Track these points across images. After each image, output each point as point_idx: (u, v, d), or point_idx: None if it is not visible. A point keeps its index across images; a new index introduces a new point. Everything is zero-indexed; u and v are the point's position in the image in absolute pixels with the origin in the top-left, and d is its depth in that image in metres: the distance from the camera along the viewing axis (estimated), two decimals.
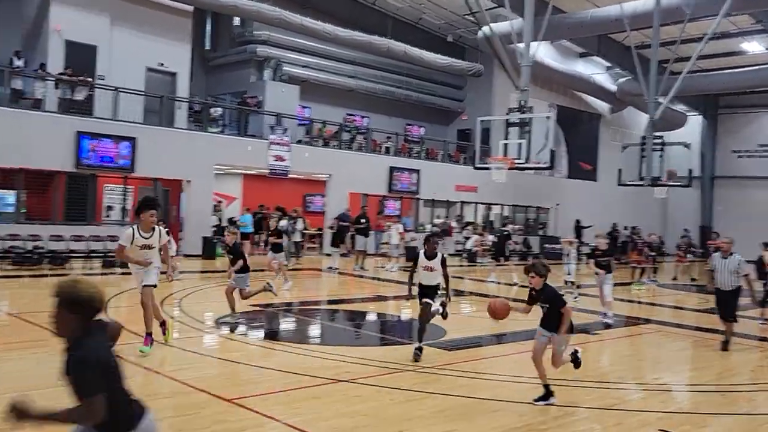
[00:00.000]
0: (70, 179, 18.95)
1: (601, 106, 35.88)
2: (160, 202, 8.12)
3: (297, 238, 20.49)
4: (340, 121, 27.74)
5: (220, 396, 6.02)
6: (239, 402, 5.88)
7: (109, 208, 20.18)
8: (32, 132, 17.67)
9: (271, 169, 22.88)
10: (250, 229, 21.96)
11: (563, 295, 14.24)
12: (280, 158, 22.87)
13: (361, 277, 18.29)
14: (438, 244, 8.41)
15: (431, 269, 8.11)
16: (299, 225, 20.48)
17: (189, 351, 8.11)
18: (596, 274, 11.94)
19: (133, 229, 7.66)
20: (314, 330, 10.78)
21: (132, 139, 19.39)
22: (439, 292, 8.26)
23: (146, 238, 7.60)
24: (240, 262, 9.95)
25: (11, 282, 14.13)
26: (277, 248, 14.31)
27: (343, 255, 20.62)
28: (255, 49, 25.66)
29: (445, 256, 8.20)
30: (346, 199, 24.38)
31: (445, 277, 8.17)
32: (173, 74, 22.54)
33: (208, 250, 20.39)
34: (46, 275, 14.77)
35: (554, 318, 6.39)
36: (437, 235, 8.55)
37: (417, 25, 29.70)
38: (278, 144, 22.87)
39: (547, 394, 6.39)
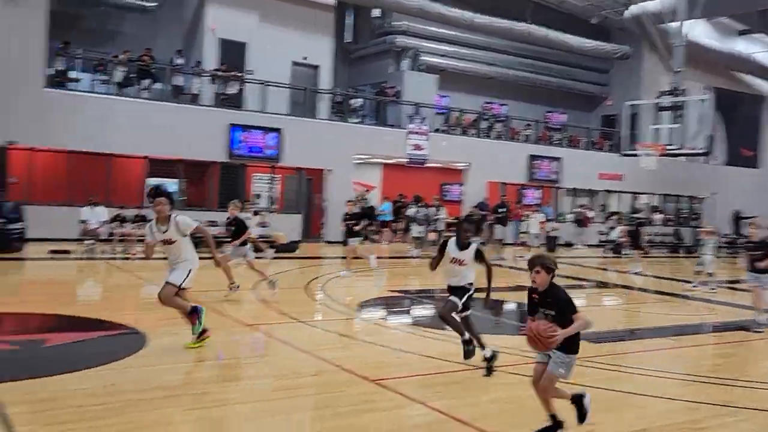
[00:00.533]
0: (223, 169, 20.24)
1: (766, 87, 32.91)
2: (166, 190, 6.98)
3: (442, 227, 20.58)
4: (478, 109, 27.46)
5: (364, 376, 6.18)
6: (382, 383, 5.99)
7: (257, 196, 21.30)
8: (190, 125, 19.03)
9: (409, 158, 23.13)
10: (390, 217, 22.34)
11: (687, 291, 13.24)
12: (418, 147, 23.07)
13: (499, 266, 18.04)
14: (472, 231, 6.65)
15: (460, 262, 6.41)
16: (441, 213, 20.59)
17: (332, 332, 8.40)
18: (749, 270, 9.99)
19: (150, 223, 6.92)
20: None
21: (278, 130, 20.34)
22: (468, 296, 6.46)
23: (163, 232, 6.77)
24: (244, 235, 10.22)
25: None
26: (353, 234, 14.14)
27: (481, 244, 20.48)
28: (394, 40, 26.01)
29: (480, 248, 6.49)
30: (484, 188, 24.16)
31: (488, 272, 6.40)
32: (316, 67, 23.38)
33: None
34: (204, 258, 15.79)
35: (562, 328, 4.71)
36: (472, 219, 7.08)
37: (559, 8, 28.69)
38: (416, 133, 23.07)
39: (554, 427, 4.79)
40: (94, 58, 19.58)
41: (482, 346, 6.50)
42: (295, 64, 22.96)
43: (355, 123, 23.15)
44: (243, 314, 9.30)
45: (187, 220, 6.81)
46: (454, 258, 6.42)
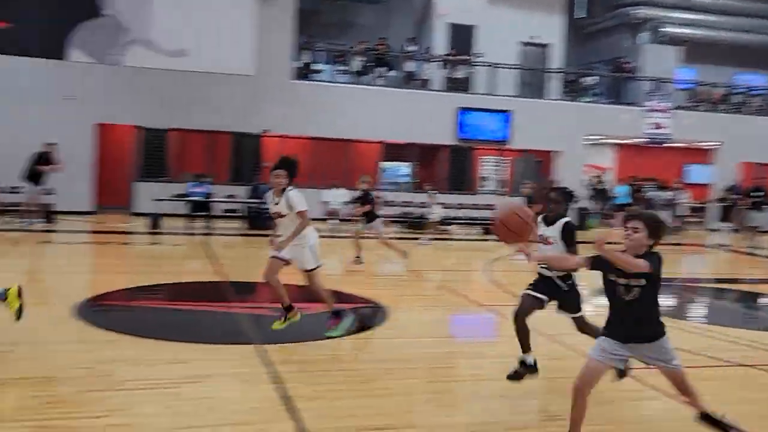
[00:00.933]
0: (452, 152, 20.60)
1: None
2: (288, 162, 6.28)
3: (684, 211, 19.09)
4: (730, 82, 24.78)
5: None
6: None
7: (484, 178, 21.37)
8: (421, 109, 19.60)
9: (648, 138, 21.62)
10: (626, 200, 21.12)
11: None
12: (658, 126, 21.47)
13: (754, 255, 16.22)
14: (562, 204, 5.17)
15: (546, 241, 5.10)
16: (683, 197, 19.06)
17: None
18: None
19: (270, 193, 6.44)
20: (699, 309, 9.94)
21: (507, 112, 20.16)
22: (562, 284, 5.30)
23: (275, 204, 6.29)
24: (367, 207, 11.09)
25: (405, 243, 15.90)
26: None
27: (734, 231, 18.63)
28: (632, 12, 24.38)
29: (572, 224, 5.10)
30: (733, 169, 21.81)
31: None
32: (545, 46, 22.74)
33: (582, 221, 20.22)
34: (435, 239, 16.25)
35: (647, 315, 3.99)
36: (556, 188, 5.43)
37: None
38: (657, 111, 21.46)
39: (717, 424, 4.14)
40: (334, 50, 21.00)
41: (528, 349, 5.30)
42: (524, 44, 22.53)
43: (588, 102, 22.15)
44: (476, 295, 9.40)
45: (299, 199, 6.18)
46: (541, 236, 5.12)
